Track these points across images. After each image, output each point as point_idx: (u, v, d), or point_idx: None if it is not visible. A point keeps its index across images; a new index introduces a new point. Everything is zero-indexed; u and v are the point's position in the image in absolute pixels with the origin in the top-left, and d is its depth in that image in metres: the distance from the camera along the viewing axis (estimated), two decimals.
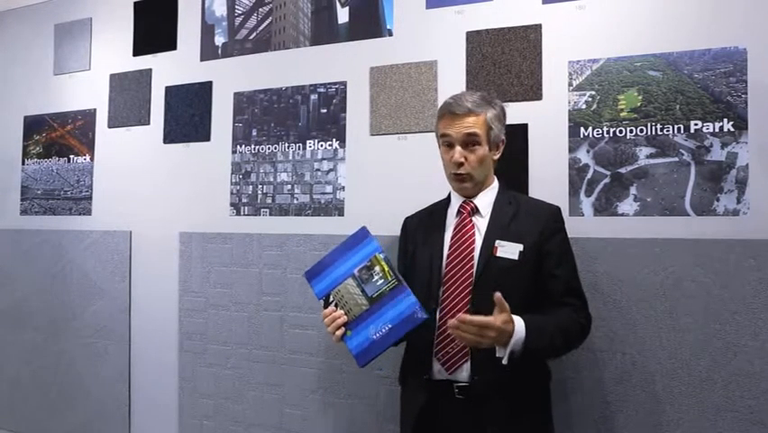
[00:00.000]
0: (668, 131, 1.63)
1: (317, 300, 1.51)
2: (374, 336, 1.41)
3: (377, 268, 1.45)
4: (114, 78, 2.47)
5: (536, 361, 1.47)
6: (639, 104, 1.66)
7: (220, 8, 2.26)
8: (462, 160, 1.48)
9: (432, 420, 1.46)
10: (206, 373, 2.21)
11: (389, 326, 1.41)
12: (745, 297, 1.54)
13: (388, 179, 1.95)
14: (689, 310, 1.59)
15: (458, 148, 1.48)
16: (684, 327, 1.59)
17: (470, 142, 1.48)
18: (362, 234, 1.51)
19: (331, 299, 1.47)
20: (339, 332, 1.43)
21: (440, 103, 1.63)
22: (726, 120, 1.58)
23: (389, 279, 1.44)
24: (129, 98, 2.43)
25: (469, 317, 1.27)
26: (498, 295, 1.29)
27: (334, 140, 2.04)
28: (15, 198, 2.70)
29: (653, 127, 1.65)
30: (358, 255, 1.48)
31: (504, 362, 1.30)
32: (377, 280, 1.44)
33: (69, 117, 2.58)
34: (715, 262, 1.57)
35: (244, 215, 2.18)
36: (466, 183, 1.51)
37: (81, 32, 2.57)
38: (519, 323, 1.32)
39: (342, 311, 1.45)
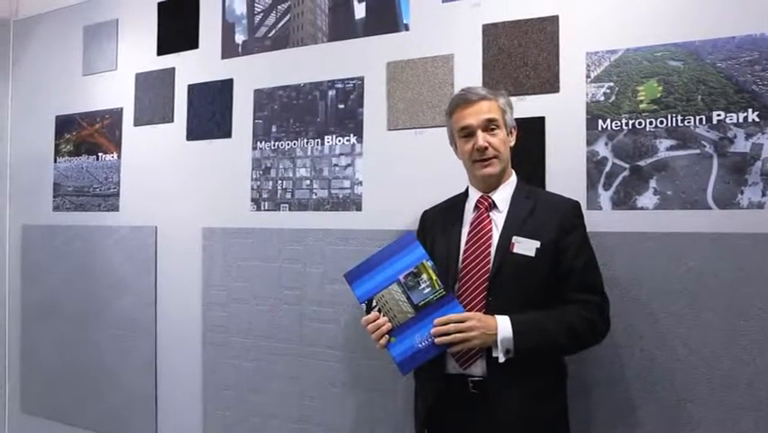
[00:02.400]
0: (689, 122, 1.59)
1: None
2: (419, 345, 1.40)
3: (424, 276, 1.43)
4: (140, 78, 2.53)
5: (549, 357, 1.46)
6: (659, 95, 1.63)
7: (240, 6, 2.29)
8: (486, 144, 1.48)
9: (445, 414, 1.46)
10: (229, 365, 2.25)
11: None
12: None
13: (406, 173, 1.96)
14: (711, 306, 1.55)
15: (480, 132, 1.49)
16: (706, 323, 1.55)
17: (489, 126, 1.49)
18: (408, 240, 1.48)
19: (374, 303, 1.45)
20: (384, 340, 1.43)
21: None
22: (750, 110, 1.53)
23: (437, 288, 1.42)
24: (153, 97, 2.48)
25: (440, 318, 1.37)
26: None
27: (352, 135, 2.05)
28: (48, 194, 2.79)
29: (674, 119, 1.61)
30: (403, 261, 1.45)
31: (500, 360, 1.34)
32: (423, 288, 1.42)
33: (98, 116, 2.65)
34: (739, 256, 1.53)
35: (264, 210, 2.21)
36: (494, 167, 1.50)
37: (108, 33, 2.64)
38: (503, 320, 1.36)
39: (385, 318, 1.44)
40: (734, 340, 1.52)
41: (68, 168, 2.74)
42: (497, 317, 1.36)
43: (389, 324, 1.43)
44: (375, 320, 1.44)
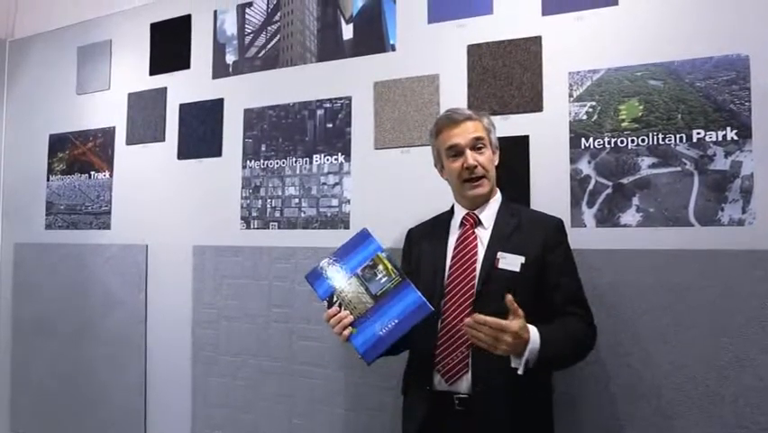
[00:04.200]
0: (670, 140, 1.62)
1: (322, 305, 1.51)
2: (381, 332, 1.42)
3: (380, 266, 1.47)
4: (132, 97, 2.56)
5: (540, 373, 1.46)
6: (640, 114, 1.65)
7: (231, 27, 2.33)
8: (476, 162, 1.50)
9: (433, 432, 1.46)
10: (218, 383, 2.25)
11: (396, 321, 1.41)
12: (753, 309, 1.50)
13: (392, 191, 1.97)
14: (695, 323, 1.56)
15: (469, 152, 1.51)
16: (691, 340, 1.56)
17: (477, 145, 1.52)
18: (364, 235, 1.53)
19: (335, 299, 1.48)
20: (346, 331, 1.43)
21: None
22: (729, 128, 1.56)
23: (393, 276, 1.45)
24: (145, 116, 2.51)
25: (483, 317, 1.27)
26: (509, 298, 1.29)
27: (340, 154, 2.07)
28: (40, 213, 2.80)
29: (655, 137, 1.63)
30: (360, 255, 1.50)
31: (520, 372, 1.29)
32: (380, 279, 1.46)
33: (90, 135, 2.67)
34: (721, 273, 1.54)
35: (254, 228, 2.23)
36: (484, 187, 1.53)
37: (102, 53, 2.67)
38: (534, 332, 1.31)
39: (347, 311, 1.45)
40: (718, 357, 1.53)
41: (61, 186, 2.75)
42: (530, 331, 1.30)
43: (350, 316, 1.45)
44: (336, 315, 1.45)
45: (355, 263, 1.49)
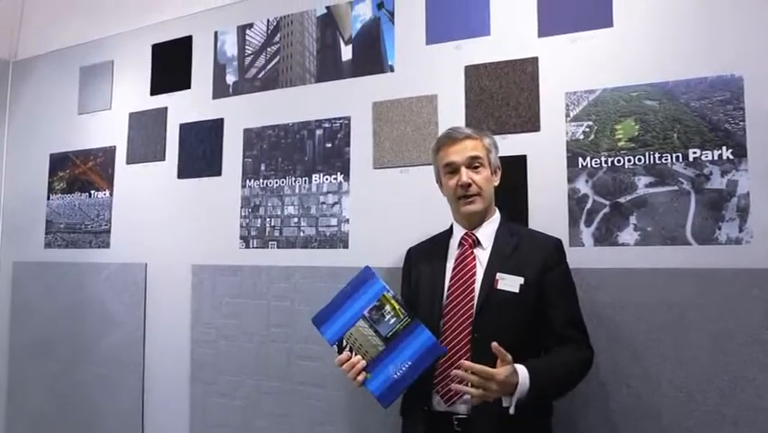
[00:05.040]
0: (666, 159, 1.63)
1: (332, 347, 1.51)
2: (395, 375, 1.41)
3: (387, 307, 1.46)
4: (133, 117, 2.58)
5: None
6: (636, 133, 1.67)
7: (231, 48, 2.36)
8: (470, 180, 1.51)
9: None
10: (217, 403, 2.23)
11: (409, 363, 1.41)
12: (752, 328, 1.50)
13: (391, 211, 1.98)
14: (694, 342, 1.55)
15: (464, 170, 1.52)
16: (690, 359, 1.55)
17: (473, 164, 1.53)
18: (367, 275, 1.52)
19: (344, 343, 1.47)
20: (360, 377, 1.44)
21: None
22: (724, 148, 1.57)
23: (401, 317, 1.45)
24: (146, 136, 2.53)
25: (470, 364, 1.28)
26: (494, 345, 1.29)
27: (339, 173, 2.09)
28: (40, 231, 2.81)
29: (652, 156, 1.65)
30: (365, 296, 1.49)
31: (511, 412, 1.30)
32: (389, 320, 1.45)
33: (91, 154, 2.69)
34: (719, 292, 1.54)
35: (253, 247, 2.23)
36: (476, 204, 1.53)
37: (103, 73, 2.70)
38: (523, 372, 1.31)
39: (359, 356, 1.45)
40: (717, 376, 1.52)
41: (61, 205, 2.76)
42: (519, 372, 1.30)
43: (363, 361, 1.44)
44: (348, 360, 1.45)
45: (361, 305, 1.49)
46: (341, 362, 1.46)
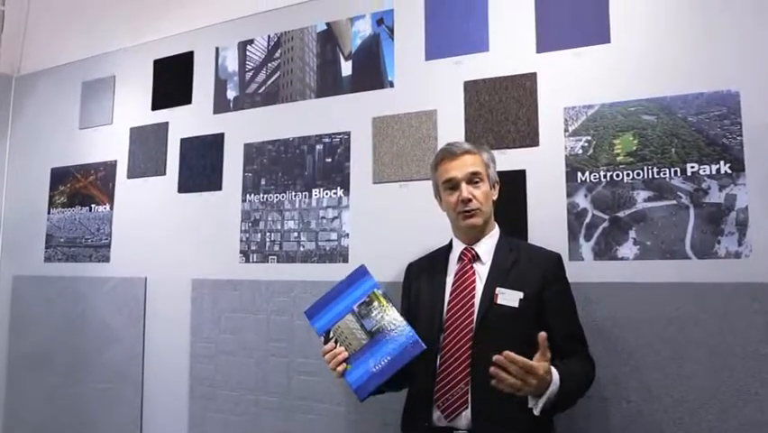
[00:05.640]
0: (665, 174, 1.64)
1: (320, 339, 1.52)
2: (373, 369, 1.43)
3: (375, 303, 1.49)
4: (134, 132, 2.60)
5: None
6: (635, 148, 1.68)
7: (232, 64, 2.38)
8: (470, 196, 1.52)
9: None
10: (216, 418, 2.22)
11: (388, 358, 1.42)
12: (753, 342, 1.50)
13: (391, 225, 1.99)
14: (695, 356, 1.55)
15: (464, 185, 1.52)
16: (691, 373, 1.55)
17: (473, 180, 1.53)
18: (361, 272, 1.55)
19: (331, 335, 1.50)
20: (340, 367, 1.44)
21: None
22: (722, 162, 1.58)
23: (388, 313, 1.47)
24: (147, 150, 2.54)
25: (514, 355, 1.22)
26: (543, 335, 1.25)
27: (339, 188, 2.10)
28: (40, 245, 2.81)
29: (650, 171, 1.65)
30: (357, 292, 1.52)
31: (536, 412, 1.28)
32: (375, 315, 1.48)
33: (92, 168, 2.70)
34: (719, 306, 1.54)
35: (253, 262, 2.23)
36: (477, 218, 1.53)
37: (105, 88, 2.72)
38: (555, 374, 1.30)
39: (342, 347, 1.47)
40: (718, 390, 1.52)
41: (61, 219, 2.76)
42: (553, 373, 1.28)
43: (345, 352, 1.46)
44: (331, 350, 1.47)
45: (352, 300, 1.52)
46: (325, 351, 1.48)
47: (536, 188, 1.78)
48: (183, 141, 2.45)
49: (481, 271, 1.53)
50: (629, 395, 1.60)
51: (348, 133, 2.10)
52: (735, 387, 1.50)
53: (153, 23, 2.62)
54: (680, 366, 1.56)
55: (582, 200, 1.72)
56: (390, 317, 1.47)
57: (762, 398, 1.48)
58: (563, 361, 1.40)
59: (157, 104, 2.56)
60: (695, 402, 1.54)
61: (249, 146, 2.29)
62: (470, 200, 1.52)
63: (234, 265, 2.27)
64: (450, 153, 1.57)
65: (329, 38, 2.19)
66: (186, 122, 2.46)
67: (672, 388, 1.56)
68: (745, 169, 1.56)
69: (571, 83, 1.78)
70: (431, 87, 1.98)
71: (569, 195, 1.74)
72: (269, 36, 2.31)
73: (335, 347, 1.47)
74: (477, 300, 1.48)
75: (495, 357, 1.23)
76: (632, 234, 1.65)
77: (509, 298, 1.46)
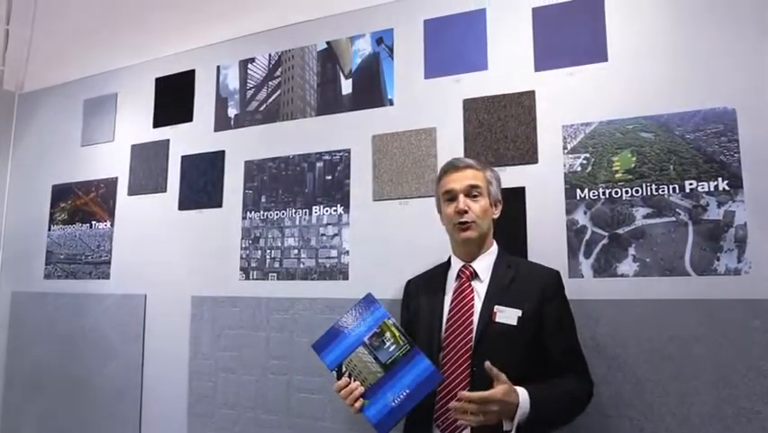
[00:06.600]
0: (663, 191, 1.65)
1: (328, 370, 1.49)
2: (393, 403, 1.40)
3: (387, 334, 1.46)
4: (135, 149, 2.61)
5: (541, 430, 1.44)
6: (633, 165, 1.69)
7: (233, 82, 2.40)
8: (466, 208, 1.52)
9: None
10: None
11: (407, 391, 1.40)
12: (754, 359, 1.50)
13: (391, 243, 1.99)
14: (696, 374, 1.55)
15: (461, 197, 1.53)
16: (693, 390, 1.54)
17: (472, 193, 1.54)
18: (369, 302, 1.52)
19: (344, 369, 1.47)
20: (358, 403, 1.42)
21: (439, 168, 1.69)
22: (720, 179, 1.59)
23: (401, 344, 1.44)
24: (148, 167, 2.55)
25: (467, 394, 1.28)
26: (487, 364, 1.30)
27: (339, 205, 2.10)
28: (40, 262, 2.81)
29: (649, 188, 1.66)
30: (366, 323, 1.49)
31: None
32: (389, 347, 1.45)
33: (93, 185, 2.71)
34: (719, 323, 1.54)
35: (253, 279, 2.23)
36: (471, 231, 1.53)
37: (107, 106, 2.74)
38: (523, 393, 1.31)
39: (357, 382, 1.44)
40: (721, 408, 1.51)
41: (62, 236, 2.77)
42: (518, 392, 1.31)
43: (361, 387, 1.43)
44: (346, 385, 1.44)
45: (362, 331, 1.49)
46: (339, 387, 1.45)
47: (536, 205, 1.79)
48: (184, 158, 2.46)
49: (480, 288, 1.53)
50: (632, 413, 1.59)
51: (348, 151, 2.12)
52: (737, 405, 1.50)
53: (155, 42, 2.64)
54: (682, 384, 1.55)
55: (582, 217, 1.73)
56: (405, 347, 1.44)
57: (765, 416, 1.47)
58: (552, 380, 1.41)
59: (158, 121, 2.57)
60: (698, 420, 1.53)
61: (249, 163, 2.31)
62: (465, 212, 1.52)
63: (234, 282, 2.26)
64: (453, 167, 1.59)
65: (329, 57, 2.21)
66: (187, 139, 2.48)
67: (675, 406, 1.55)
68: (742, 185, 1.56)
69: (570, 101, 1.80)
70: (430, 106, 2.00)
71: (568, 212, 1.75)
72: (269, 55, 2.34)
73: (349, 382, 1.45)
74: (475, 318, 1.48)
75: (452, 404, 1.30)
76: (631, 250, 1.66)
77: (508, 315, 1.46)
